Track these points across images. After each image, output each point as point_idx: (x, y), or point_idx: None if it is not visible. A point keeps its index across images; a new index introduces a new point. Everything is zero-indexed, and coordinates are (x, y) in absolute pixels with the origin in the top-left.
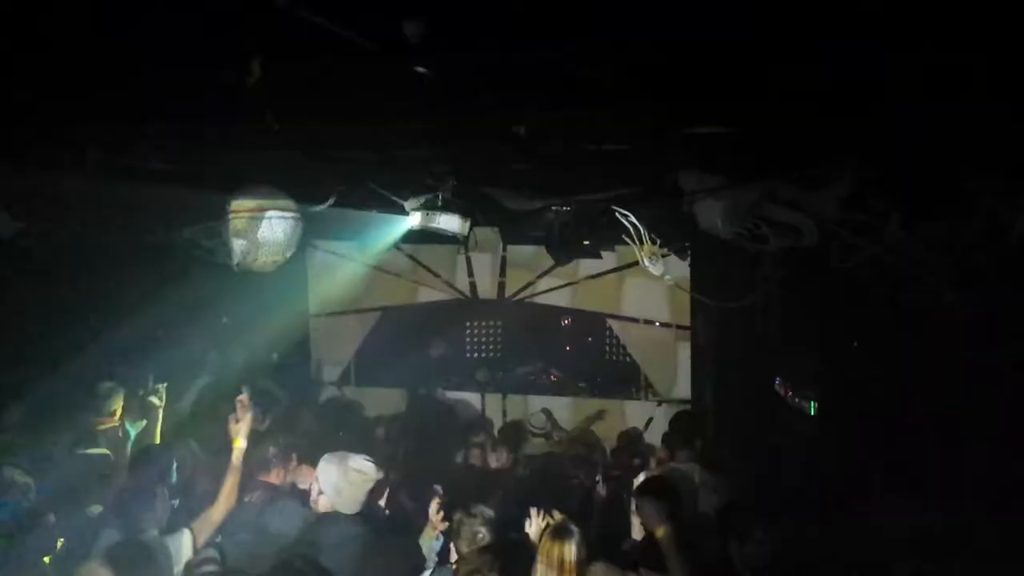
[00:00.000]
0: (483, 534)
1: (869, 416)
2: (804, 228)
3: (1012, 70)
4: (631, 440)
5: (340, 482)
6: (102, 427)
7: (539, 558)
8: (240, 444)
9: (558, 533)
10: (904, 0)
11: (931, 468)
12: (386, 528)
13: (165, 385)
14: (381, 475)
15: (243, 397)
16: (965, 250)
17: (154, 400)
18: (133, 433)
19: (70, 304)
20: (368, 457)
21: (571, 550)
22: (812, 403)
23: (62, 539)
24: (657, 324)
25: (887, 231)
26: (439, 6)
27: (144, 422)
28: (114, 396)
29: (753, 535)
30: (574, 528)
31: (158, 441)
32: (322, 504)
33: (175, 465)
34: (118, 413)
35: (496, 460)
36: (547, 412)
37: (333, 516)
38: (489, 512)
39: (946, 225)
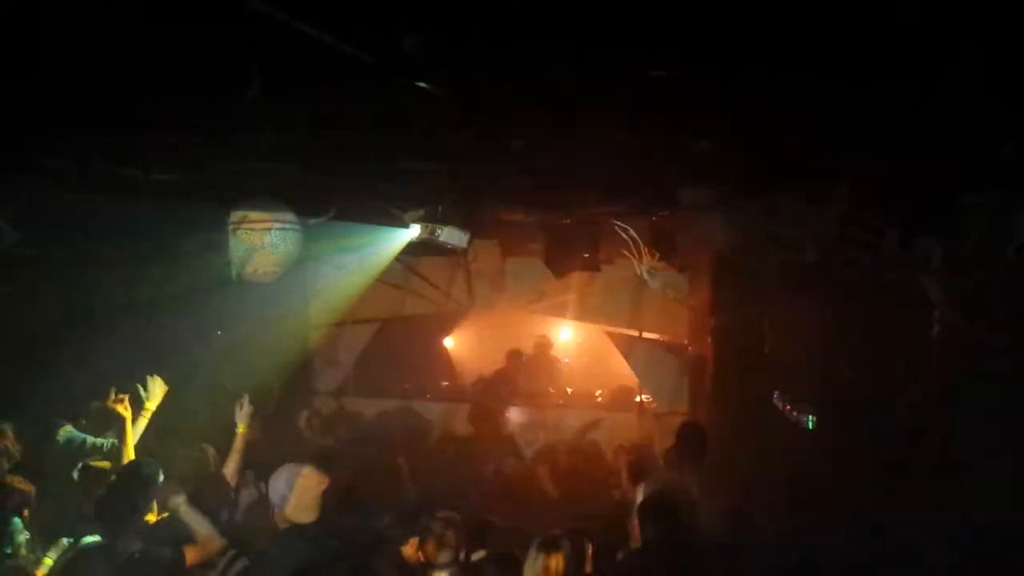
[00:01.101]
0: (449, 536)
1: (868, 431)
2: (803, 243)
3: (1005, 86)
4: (628, 452)
5: (285, 490)
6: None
7: (528, 569)
8: (242, 430)
9: (547, 546)
10: (902, 24)
11: (931, 482)
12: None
13: (127, 396)
14: (326, 481)
15: (243, 401)
16: (963, 265)
17: (120, 409)
18: (105, 444)
19: (68, 314)
20: (313, 465)
21: (561, 563)
22: (810, 418)
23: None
24: (655, 338)
25: (885, 246)
26: (439, 22)
27: (112, 434)
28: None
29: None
30: (565, 541)
31: (131, 454)
32: (278, 517)
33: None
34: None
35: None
36: (536, 425)
37: (286, 529)
38: (455, 516)
39: (943, 240)
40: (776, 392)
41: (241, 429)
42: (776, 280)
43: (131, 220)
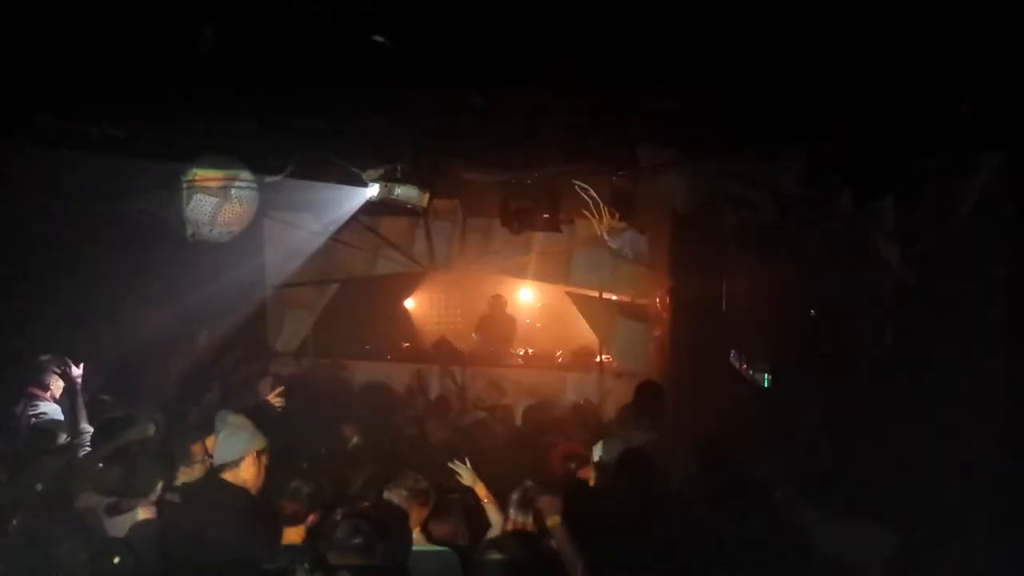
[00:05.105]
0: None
1: (823, 390)
2: (760, 203)
3: (961, 50)
4: (586, 411)
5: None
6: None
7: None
8: None
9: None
10: None
11: (883, 442)
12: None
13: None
14: (263, 442)
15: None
16: (917, 226)
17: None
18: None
19: (15, 274)
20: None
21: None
22: (766, 376)
23: None
24: (614, 298)
25: (840, 206)
26: None
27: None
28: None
29: (750, 520)
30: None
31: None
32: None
33: None
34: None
35: (442, 430)
36: (493, 384)
37: (211, 480)
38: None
39: (897, 201)
40: (733, 351)
41: None
42: (733, 239)
43: (80, 178)
